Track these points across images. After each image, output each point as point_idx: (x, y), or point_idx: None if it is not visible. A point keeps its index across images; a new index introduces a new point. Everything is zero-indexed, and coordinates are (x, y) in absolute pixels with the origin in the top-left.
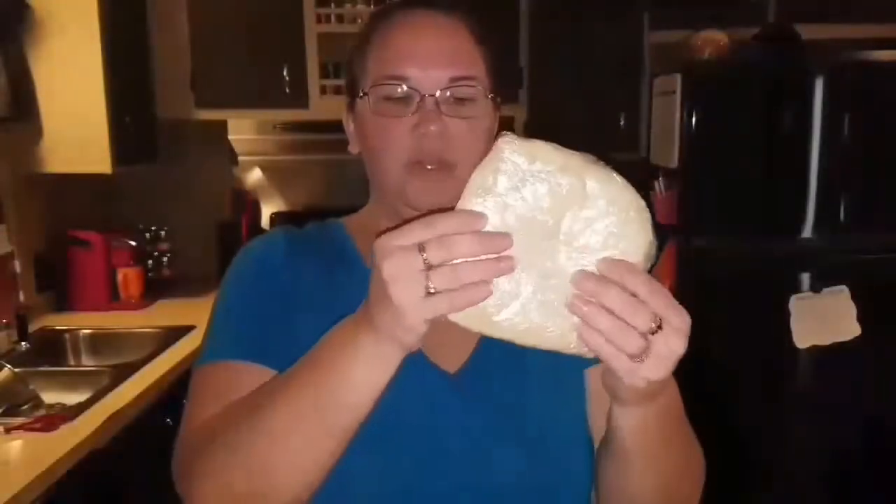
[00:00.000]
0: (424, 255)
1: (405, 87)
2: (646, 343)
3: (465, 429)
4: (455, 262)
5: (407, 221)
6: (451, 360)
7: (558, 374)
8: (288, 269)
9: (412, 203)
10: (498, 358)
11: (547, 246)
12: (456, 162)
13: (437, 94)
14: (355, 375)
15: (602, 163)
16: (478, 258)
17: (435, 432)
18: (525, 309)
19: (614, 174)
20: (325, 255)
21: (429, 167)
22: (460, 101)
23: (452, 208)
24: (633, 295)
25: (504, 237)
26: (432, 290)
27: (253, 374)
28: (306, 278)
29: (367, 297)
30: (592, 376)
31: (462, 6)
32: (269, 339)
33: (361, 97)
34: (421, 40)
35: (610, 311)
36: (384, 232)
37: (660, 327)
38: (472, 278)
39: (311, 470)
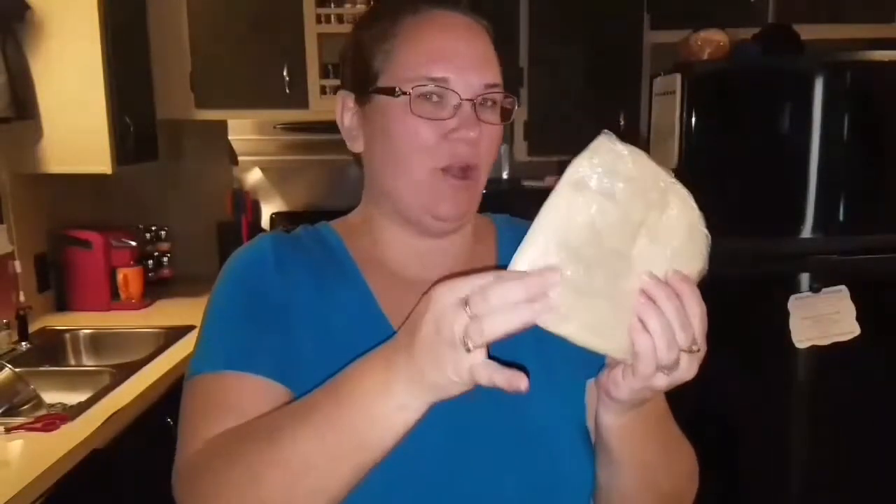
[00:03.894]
0: (468, 308)
1: (446, 90)
2: (678, 359)
3: (464, 433)
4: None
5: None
6: None
7: (558, 380)
8: (278, 274)
9: (433, 210)
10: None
11: (622, 248)
12: (480, 167)
13: (477, 99)
14: (388, 421)
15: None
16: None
17: (433, 437)
18: (593, 305)
19: (690, 195)
20: (316, 258)
21: (456, 174)
22: (489, 107)
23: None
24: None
25: (551, 274)
26: (469, 347)
27: (250, 385)
28: (297, 282)
29: (404, 341)
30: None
31: (479, 9)
32: (264, 347)
33: (397, 95)
34: (457, 42)
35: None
36: (441, 280)
37: (692, 350)
38: (502, 331)
39: (325, 501)
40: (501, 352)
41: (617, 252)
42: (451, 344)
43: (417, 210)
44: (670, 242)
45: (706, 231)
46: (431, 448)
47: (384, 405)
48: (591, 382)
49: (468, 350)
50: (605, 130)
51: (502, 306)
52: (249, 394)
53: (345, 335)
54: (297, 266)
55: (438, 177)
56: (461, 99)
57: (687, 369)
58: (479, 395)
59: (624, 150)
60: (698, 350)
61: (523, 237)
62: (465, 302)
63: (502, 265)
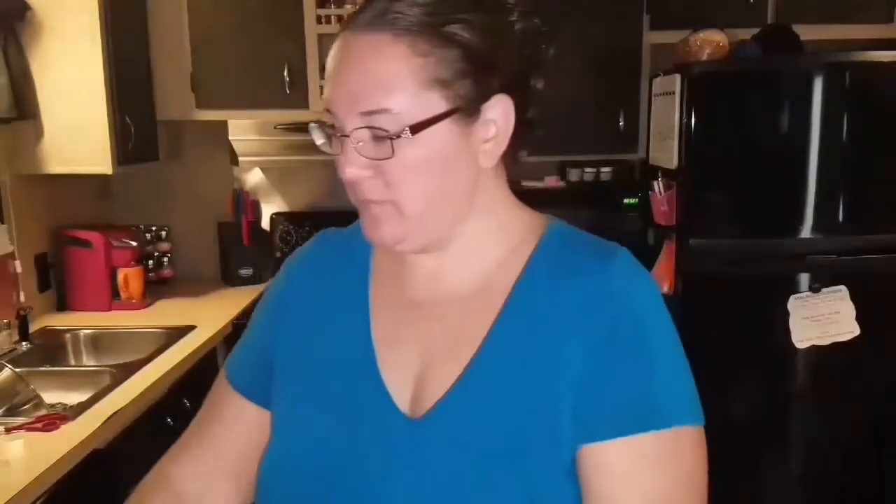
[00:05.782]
0: None
1: (328, 129)
2: None
3: (418, 483)
4: None
5: None
6: (420, 401)
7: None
8: (293, 294)
9: (366, 235)
10: (473, 405)
11: None
12: (398, 201)
13: (350, 133)
14: None
15: None
16: None
17: (384, 483)
18: None
19: None
20: (343, 271)
21: (371, 205)
22: (380, 139)
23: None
24: None
25: None
26: None
27: (233, 401)
28: (312, 286)
29: None
30: (597, 454)
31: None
32: (248, 362)
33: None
34: (340, 69)
35: None
36: None
37: None
38: None
39: None
40: (482, 395)
41: None
42: None
43: None
44: None
45: None
46: (373, 497)
47: None
48: (584, 448)
49: None
50: None
51: None
52: (232, 408)
53: (329, 349)
54: (317, 282)
55: (362, 206)
56: (337, 134)
57: None
58: (434, 443)
59: None
60: None
61: (567, 250)
62: None
63: (526, 275)
